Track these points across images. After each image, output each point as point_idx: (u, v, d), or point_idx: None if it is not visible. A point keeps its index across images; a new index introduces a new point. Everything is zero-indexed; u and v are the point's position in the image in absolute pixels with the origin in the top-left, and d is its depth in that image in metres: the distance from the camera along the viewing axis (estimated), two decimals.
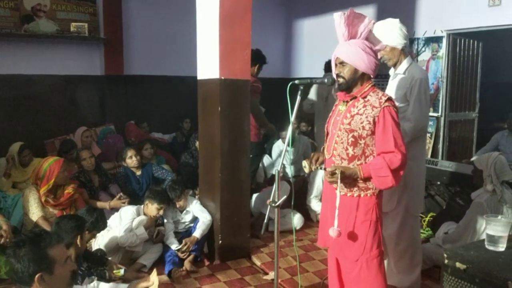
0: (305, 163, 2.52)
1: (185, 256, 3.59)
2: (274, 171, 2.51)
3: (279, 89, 4.96)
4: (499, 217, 2.06)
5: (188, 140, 5.76)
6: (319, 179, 4.58)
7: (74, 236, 2.70)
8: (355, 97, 2.38)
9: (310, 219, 4.67)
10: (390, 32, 2.90)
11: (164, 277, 3.35)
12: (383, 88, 3.10)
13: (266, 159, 5.32)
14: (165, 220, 3.78)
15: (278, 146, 5.29)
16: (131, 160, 4.41)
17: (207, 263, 3.69)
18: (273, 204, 2.33)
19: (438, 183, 4.76)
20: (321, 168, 2.55)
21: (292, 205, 2.61)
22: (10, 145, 4.84)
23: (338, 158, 2.40)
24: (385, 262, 3.06)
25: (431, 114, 5.47)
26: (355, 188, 2.37)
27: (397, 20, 2.93)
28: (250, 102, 4.38)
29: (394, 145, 2.26)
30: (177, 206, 3.79)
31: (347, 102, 2.42)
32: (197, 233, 3.63)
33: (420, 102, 2.93)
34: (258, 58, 4.75)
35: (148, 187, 4.20)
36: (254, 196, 4.48)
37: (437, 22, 5.36)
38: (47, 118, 5.74)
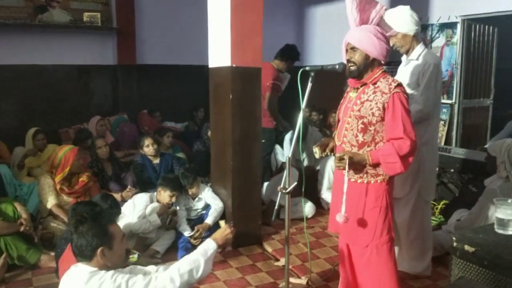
0: (316, 149, 2.53)
1: (197, 243, 3.64)
2: (284, 159, 2.54)
3: (291, 77, 4.99)
4: (510, 200, 2.04)
5: (201, 129, 5.80)
6: (330, 170, 4.58)
7: None
8: (365, 84, 2.37)
9: (321, 207, 4.68)
10: (401, 19, 2.88)
11: None
12: (395, 75, 3.09)
13: (278, 149, 5.32)
14: (178, 207, 3.83)
15: (290, 138, 5.27)
16: (148, 148, 4.45)
17: (219, 249, 3.72)
18: (283, 191, 2.35)
19: (451, 170, 4.72)
20: (332, 155, 2.55)
21: (303, 193, 2.61)
22: (25, 135, 4.96)
23: (348, 144, 2.40)
24: (397, 248, 3.08)
25: (445, 101, 5.42)
26: (365, 175, 2.37)
27: (407, 7, 2.92)
28: (265, 95, 4.48)
29: (403, 131, 2.25)
30: (190, 193, 3.84)
31: (358, 88, 2.41)
32: (209, 220, 3.67)
33: (430, 86, 2.93)
34: (291, 54, 4.74)
35: None
36: (265, 184, 4.51)
37: (451, 8, 5.27)
38: (61, 107, 5.83)
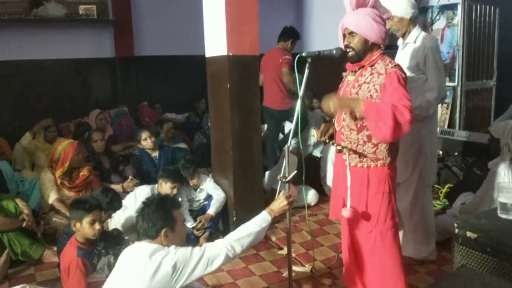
0: (313, 132, 2.47)
1: (200, 234, 3.63)
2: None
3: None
4: None
5: (202, 120, 5.76)
6: (333, 156, 4.53)
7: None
8: (363, 66, 2.32)
9: (324, 194, 4.65)
10: (397, 2, 2.84)
11: None
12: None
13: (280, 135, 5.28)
14: (180, 199, 3.80)
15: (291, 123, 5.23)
16: (146, 142, 4.42)
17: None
18: (283, 180, 2.32)
19: (455, 153, 4.68)
20: (332, 144, 2.49)
21: (303, 181, 2.57)
22: (24, 131, 4.96)
23: (347, 129, 2.35)
24: (401, 233, 3.05)
25: (448, 83, 5.35)
26: (364, 159, 2.33)
27: None
28: (282, 72, 4.70)
29: (408, 100, 2.13)
30: (191, 184, 3.81)
31: (355, 71, 2.36)
32: (211, 211, 3.65)
33: (439, 71, 2.90)
34: (291, 34, 5.00)
35: None
36: (267, 173, 4.48)
37: None
38: (61, 102, 5.80)
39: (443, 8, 5.33)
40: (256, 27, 3.52)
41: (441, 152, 4.76)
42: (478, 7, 5.28)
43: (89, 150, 4.42)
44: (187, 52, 6.37)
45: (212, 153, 3.96)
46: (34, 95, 5.62)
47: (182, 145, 5.19)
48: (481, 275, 1.67)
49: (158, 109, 6.36)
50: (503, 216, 1.95)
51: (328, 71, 4.62)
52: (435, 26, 5.44)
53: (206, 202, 3.87)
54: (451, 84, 5.36)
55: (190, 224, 3.65)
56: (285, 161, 2.35)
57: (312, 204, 4.40)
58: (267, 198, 4.26)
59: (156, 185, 3.67)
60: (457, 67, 5.31)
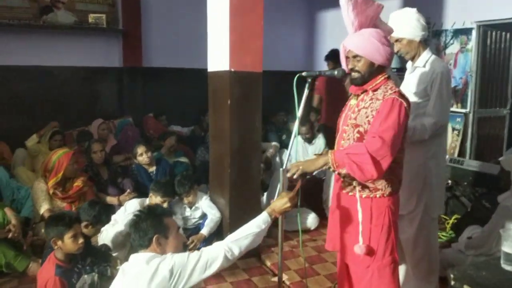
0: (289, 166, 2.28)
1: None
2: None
3: (301, 83, 4.83)
4: None
5: (206, 135, 5.66)
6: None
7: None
8: (366, 91, 2.20)
9: (326, 218, 4.48)
10: (407, 24, 2.68)
11: None
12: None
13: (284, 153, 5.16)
14: (174, 216, 3.68)
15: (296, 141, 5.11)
16: (142, 157, 4.29)
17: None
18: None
19: (465, 183, 4.51)
20: (332, 170, 2.32)
21: (299, 204, 2.41)
22: (27, 137, 4.89)
23: None
24: (403, 267, 2.88)
25: (459, 110, 5.21)
26: (365, 189, 2.18)
27: (414, 10, 2.70)
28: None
29: (378, 130, 2.00)
30: (186, 202, 3.69)
31: (358, 95, 2.24)
32: (204, 231, 3.52)
33: (442, 97, 2.70)
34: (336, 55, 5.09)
35: None
36: (265, 194, 4.34)
37: (466, 13, 5.07)
38: (66, 109, 5.73)
39: (457, 33, 5.20)
40: (260, 43, 3.43)
41: (449, 181, 4.59)
42: (493, 32, 5.15)
43: (88, 159, 4.33)
44: (195, 65, 6.27)
45: (210, 170, 3.84)
46: (39, 101, 5.57)
47: (183, 159, 5.08)
48: None
49: (163, 121, 6.28)
50: (507, 267, 1.72)
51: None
52: (448, 51, 5.31)
53: (201, 221, 3.74)
54: (463, 110, 5.20)
55: None
56: (279, 185, 2.22)
57: (312, 228, 4.24)
58: None
59: (147, 199, 3.56)
60: (469, 93, 5.16)
